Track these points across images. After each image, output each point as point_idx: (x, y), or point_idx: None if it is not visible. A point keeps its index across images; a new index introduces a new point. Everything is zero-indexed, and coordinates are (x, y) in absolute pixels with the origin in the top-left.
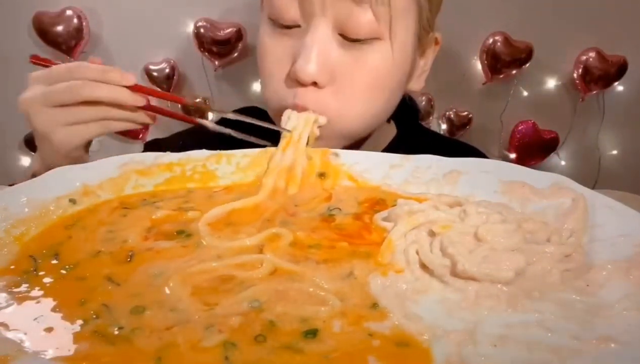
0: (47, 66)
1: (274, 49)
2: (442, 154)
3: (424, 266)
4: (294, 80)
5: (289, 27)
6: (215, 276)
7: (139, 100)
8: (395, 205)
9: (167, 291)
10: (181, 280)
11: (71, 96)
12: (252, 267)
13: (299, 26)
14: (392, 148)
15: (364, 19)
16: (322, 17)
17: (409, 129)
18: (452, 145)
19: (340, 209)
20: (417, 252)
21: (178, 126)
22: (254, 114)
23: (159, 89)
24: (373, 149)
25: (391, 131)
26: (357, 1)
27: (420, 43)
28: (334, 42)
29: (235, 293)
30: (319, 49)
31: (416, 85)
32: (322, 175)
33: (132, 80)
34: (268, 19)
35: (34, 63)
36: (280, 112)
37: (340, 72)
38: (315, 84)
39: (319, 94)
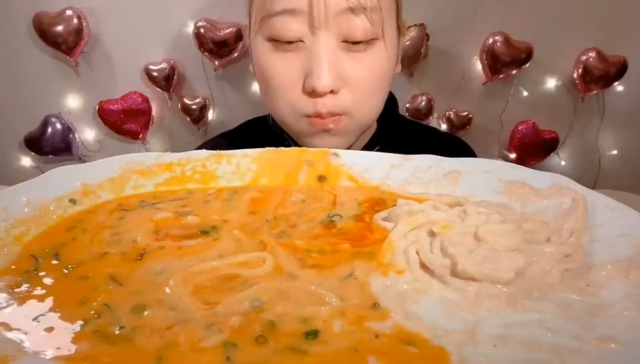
0: None
1: (280, 68)
2: (422, 143)
3: (424, 267)
4: (311, 93)
5: (290, 45)
6: (218, 274)
7: None
8: (395, 205)
9: (168, 290)
10: (182, 279)
11: None
12: (256, 265)
13: (302, 41)
14: (373, 141)
15: (362, 26)
16: (326, 31)
17: (388, 121)
18: (430, 134)
19: (340, 216)
20: (417, 253)
21: (180, 121)
22: (255, 128)
23: None
24: (357, 144)
25: (372, 125)
26: (355, 12)
27: (399, 31)
28: (338, 50)
29: (237, 292)
30: (330, 61)
31: (398, 68)
32: (321, 178)
33: None
34: (266, 42)
35: None
36: (299, 122)
37: (348, 75)
38: (331, 91)
39: (336, 98)
